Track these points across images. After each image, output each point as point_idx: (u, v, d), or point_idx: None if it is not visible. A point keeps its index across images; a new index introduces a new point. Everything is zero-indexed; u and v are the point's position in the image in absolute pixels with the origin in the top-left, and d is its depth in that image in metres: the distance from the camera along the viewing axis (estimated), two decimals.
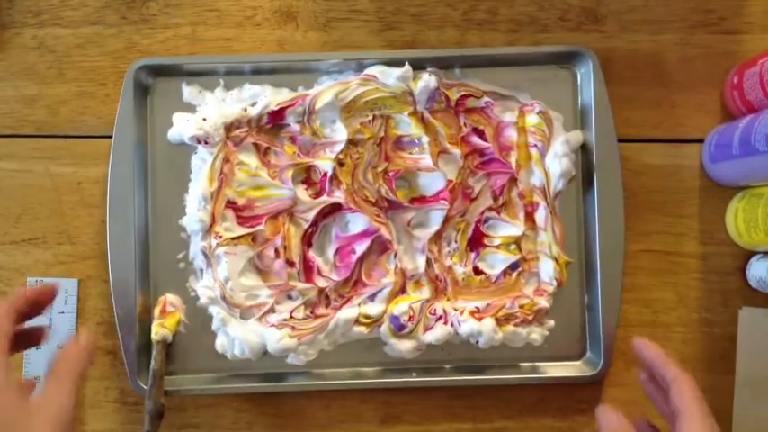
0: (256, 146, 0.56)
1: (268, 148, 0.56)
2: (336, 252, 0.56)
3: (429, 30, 0.58)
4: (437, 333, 0.55)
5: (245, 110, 0.55)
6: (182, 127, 0.55)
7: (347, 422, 0.57)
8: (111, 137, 0.56)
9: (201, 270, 0.56)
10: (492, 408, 0.57)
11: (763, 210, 0.52)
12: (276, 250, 0.55)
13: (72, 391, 0.42)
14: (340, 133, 0.55)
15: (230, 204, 0.55)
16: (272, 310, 0.55)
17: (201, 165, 0.55)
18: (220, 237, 0.54)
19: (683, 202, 0.57)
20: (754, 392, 0.56)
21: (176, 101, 0.56)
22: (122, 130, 0.55)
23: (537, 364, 0.56)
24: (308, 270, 0.56)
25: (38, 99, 0.58)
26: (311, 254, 0.56)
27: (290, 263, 0.55)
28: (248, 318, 0.55)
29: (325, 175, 0.55)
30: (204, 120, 0.54)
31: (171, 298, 0.55)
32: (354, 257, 0.56)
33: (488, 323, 0.54)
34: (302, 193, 0.56)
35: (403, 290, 0.56)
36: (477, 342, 0.55)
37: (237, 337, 0.54)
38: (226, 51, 0.58)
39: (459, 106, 0.56)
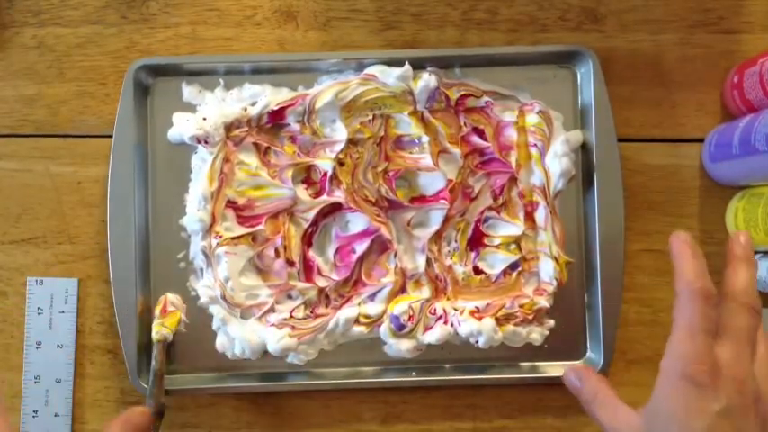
0: (256, 145, 0.56)
1: (268, 148, 0.56)
2: (336, 252, 0.56)
3: (429, 29, 0.58)
4: (437, 333, 0.55)
5: (245, 109, 0.55)
6: (182, 127, 0.55)
7: (347, 421, 0.57)
8: (111, 137, 0.56)
9: (202, 270, 0.56)
10: (492, 407, 0.57)
11: (763, 210, 0.52)
12: (276, 250, 0.55)
13: None
14: (340, 133, 0.55)
15: (230, 204, 0.55)
16: (272, 310, 0.55)
17: (201, 164, 0.55)
18: (220, 236, 0.54)
19: (683, 201, 0.57)
20: None
21: (176, 101, 0.56)
22: (122, 130, 0.55)
23: (537, 363, 0.56)
24: (308, 270, 0.56)
25: (38, 99, 0.58)
26: (311, 253, 0.56)
27: (290, 262, 0.55)
28: (248, 317, 0.55)
29: (325, 174, 0.55)
30: (204, 119, 0.54)
31: (171, 297, 0.55)
32: (354, 257, 0.56)
33: (488, 323, 0.54)
34: (302, 192, 0.56)
35: (403, 289, 0.56)
36: (477, 342, 0.55)
37: (237, 336, 0.55)
38: (226, 51, 0.58)
39: (459, 106, 0.56)
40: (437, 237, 0.56)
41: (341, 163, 0.56)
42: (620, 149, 0.55)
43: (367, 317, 0.55)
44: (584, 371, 0.48)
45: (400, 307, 0.55)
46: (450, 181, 0.56)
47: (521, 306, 0.55)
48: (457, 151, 0.56)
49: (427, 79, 0.55)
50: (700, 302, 0.40)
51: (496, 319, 0.55)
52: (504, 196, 0.56)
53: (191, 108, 0.56)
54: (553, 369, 0.56)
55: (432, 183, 0.56)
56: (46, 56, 0.58)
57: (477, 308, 0.55)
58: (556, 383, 0.56)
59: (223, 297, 0.54)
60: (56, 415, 0.56)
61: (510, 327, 0.55)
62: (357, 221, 0.56)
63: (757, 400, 0.39)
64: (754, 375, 0.40)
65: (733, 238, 0.43)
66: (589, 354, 0.56)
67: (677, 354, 0.40)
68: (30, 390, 0.56)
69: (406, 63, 0.55)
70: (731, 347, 0.39)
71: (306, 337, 0.54)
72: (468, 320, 0.54)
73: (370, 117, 0.56)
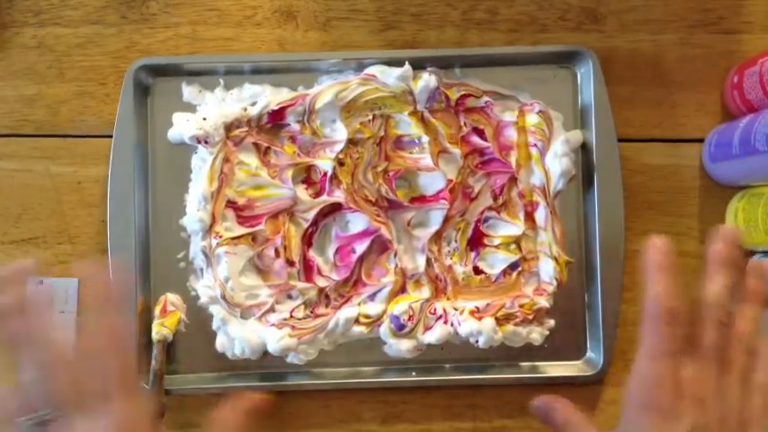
0: (256, 145, 0.56)
1: (268, 148, 0.56)
2: (336, 252, 0.56)
3: (429, 29, 0.58)
4: (437, 333, 0.55)
5: (245, 109, 0.55)
6: (182, 127, 0.55)
7: (347, 421, 0.57)
8: (111, 137, 0.56)
9: (202, 270, 0.56)
10: (492, 407, 0.57)
11: (763, 210, 0.52)
12: (276, 250, 0.55)
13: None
14: (340, 133, 0.55)
15: (230, 204, 0.55)
16: (272, 310, 0.55)
17: (201, 164, 0.55)
18: (220, 236, 0.54)
19: (683, 201, 0.57)
20: None
21: (176, 101, 0.56)
22: (122, 130, 0.55)
23: (537, 363, 0.56)
24: (308, 270, 0.56)
25: (38, 99, 0.58)
26: (311, 253, 0.56)
27: (290, 262, 0.56)
28: (248, 317, 0.55)
29: (326, 174, 0.55)
30: (204, 119, 0.54)
31: (171, 297, 0.55)
32: (354, 257, 0.56)
33: (488, 323, 0.54)
34: (302, 192, 0.56)
35: (403, 289, 0.56)
36: (477, 342, 0.55)
37: (237, 336, 0.54)
38: (226, 51, 0.58)
39: (459, 106, 0.56)
40: (437, 237, 0.56)
41: (341, 163, 0.56)
42: (620, 149, 0.55)
43: (367, 317, 0.55)
44: (552, 398, 0.48)
45: (400, 307, 0.55)
46: (451, 181, 0.56)
47: (521, 306, 0.55)
48: (457, 151, 0.56)
49: (427, 79, 0.55)
50: (664, 324, 0.39)
51: (496, 319, 0.55)
52: (504, 196, 0.56)
53: (191, 108, 0.56)
54: (553, 369, 0.56)
55: (432, 183, 0.56)
56: (46, 56, 0.58)
57: (477, 308, 0.55)
58: (556, 383, 0.56)
59: (223, 297, 0.54)
60: None
61: (510, 327, 0.55)
62: (357, 221, 0.56)
63: (724, 420, 0.38)
64: (722, 391, 0.39)
65: (715, 237, 0.40)
66: (589, 354, 0.56)
67: (641, 377, 0.40)
68: None
69: (406, 63, 0.55)
70: (695, 366, 0.39)
71: (306, 337, 0.54)
72: (468, 320, 0.54)
73: (370, 117, 0.56)
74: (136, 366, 0.40)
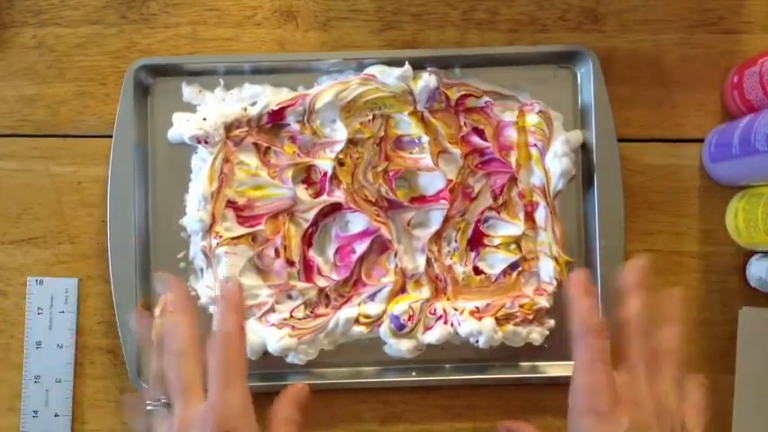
0: (256, 145, 0.56)
1: (268, 148, 0.56)
2: (336, 252, 0.56)
3: (429, 29, 0.58)
4: (437, 333, 0.55)
5: (245, 109, 0.55)
6: (182, 127, 0.55)
7: (347, 421, 0.57)
8: (111, 137, 0.56)
9: (202, 270, 0.56)
10: (492, 407, 0.57)
11: (763, 209, 0.52)
12: (276, 250, 0.55)
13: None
14: (340, 133, 0.55)
15: (230, 204, 0.55)
16: (272, 310, 0.55)
17: (201, 164, 0.55)
18: (220, 236, 0.54)
19: (683, 201, 0.57)
20: (754, 392, 0.56)
21: (176, 101, 0.56)
22: (122, 130, 0.55)
23: (537, 363, 0.56)
24: (308, 270, 0.56)
25: (38, 99, 0.58)
26: (311, 253, 0.56)
27: (290, 262, 0.55)
28: (248, 317, 0.55)
29: (325, 174, 0.55)
30: (204, 119, 0.54)
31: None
32: (354, 257, 0.56)
33: (488, 323, 0.54)
34: (302, 192, 0.56)
35: (403, 289, 0.56)
36: (477, 342, 0.55)
37: None
38: (226, 51, 0.58)
39: (459, 106, 0.56)
40: (437, 237, 0.56)
41: (341, 163, 0.56)
42: (620, 149, 0.55)
43: (367, 317, 0.55)
44: (515, 423, 0.53)
45: (400, 307, 0.55)
46: (451, 181, 0.56)
47: (521, 306, 0.55)
48: (457, 151, 0.56)
49: (427, 79, 0.55)
50: (592, 338, 0.43)
51: (496, 319, 0.54)
52: (504, 196, 0.56)
53: (191, 108, 0.56)
54: (553, 369, 0.56)
55: (432, 183, 0.56)
56: (46, 56, 0.58)
57: (477, 308, 0.55)
58: (556, 383, 0.56)
59: None
60: (56, 415, 0.56)
61: (510, 327, 0.55)
62: (357, 221, 0.56)
63: (660, 417, 0.42)
64: (655, 394, 0.43)
65: (627, 267, 0.46)
66: None
67: (579, 388, 0.43)
68: (30, 390, 0.56)
69: (406, 63, 0.55)
70: (627, 374, 0.43)
71: (306, 337, 0.54)
72: (468, 320, 0.54)
73: (370, 117, 0.56)
74: (245, 359, 0.47)
